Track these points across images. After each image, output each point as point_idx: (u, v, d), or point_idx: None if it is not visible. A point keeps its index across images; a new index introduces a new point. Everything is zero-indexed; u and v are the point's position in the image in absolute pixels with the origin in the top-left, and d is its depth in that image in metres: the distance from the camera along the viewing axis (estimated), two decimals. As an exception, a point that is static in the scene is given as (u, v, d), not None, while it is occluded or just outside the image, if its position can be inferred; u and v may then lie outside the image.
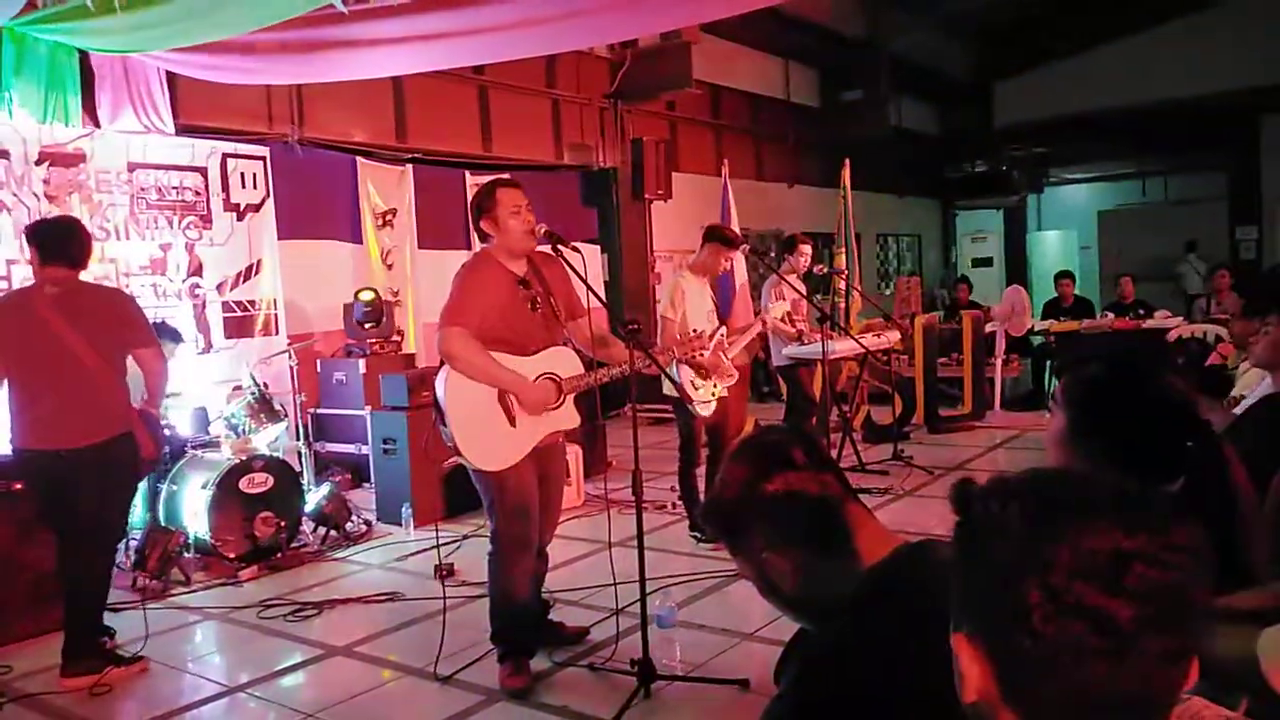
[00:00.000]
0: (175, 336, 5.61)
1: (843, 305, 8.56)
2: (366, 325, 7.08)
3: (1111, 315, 9.78)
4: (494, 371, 3.49)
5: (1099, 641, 0.76)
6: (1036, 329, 9.88)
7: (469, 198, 7.25)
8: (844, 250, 9.05)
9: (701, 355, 4.29)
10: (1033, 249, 16.52)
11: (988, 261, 16.84)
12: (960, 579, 0.86)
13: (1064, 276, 10.89)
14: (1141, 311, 9.70)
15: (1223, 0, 12.76)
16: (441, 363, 3.58)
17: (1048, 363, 9.98)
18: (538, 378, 3.59)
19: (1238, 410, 3.09)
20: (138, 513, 5.22)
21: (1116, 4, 13.04)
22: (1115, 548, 0.77)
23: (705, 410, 5.16)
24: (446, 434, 3.53)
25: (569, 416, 3.71)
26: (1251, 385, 3.29)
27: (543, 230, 3.62)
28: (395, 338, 7.42)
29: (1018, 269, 16.12)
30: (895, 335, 7.51)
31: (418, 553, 5.46)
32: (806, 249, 6.53)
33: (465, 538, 5.58)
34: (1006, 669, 0.80)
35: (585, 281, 3.65)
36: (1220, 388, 4.14)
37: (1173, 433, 1.51)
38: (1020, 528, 0.81)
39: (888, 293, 14.41)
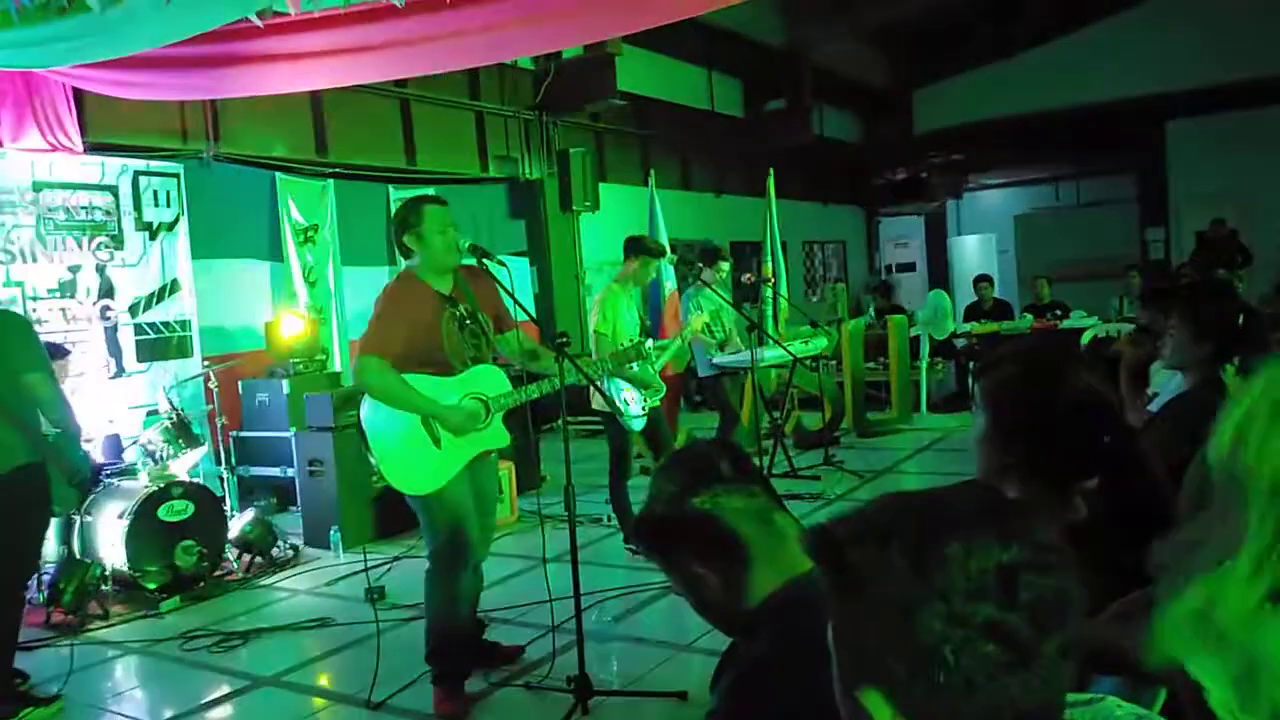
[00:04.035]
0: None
1: (771, 313, 8.65)
2: (289, 346, 6.92)
3: (1030, 317, 10.06)
4: (412, 400, 3.43)
5: (1008, 656, 0.77)
6: (959, 332, 10.10)
7: (392, 212, 7.16)
8: (771, 258, 9.15)
9: (633, 368, 4.29)
10: (954, 253, 16.90)
11: (910, 266, 17.19)
12: (849, 634, 0.83)
13: (983, 280, 11.18)
14: (1059, 312, 9.99)
15: (1131, 8, 13.26)
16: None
17: (970, 364, 10.21)
18: (464, 398, 3.54)
19: (1152, 407, 3.18)
20: (51, 545, 5.01)
21: (1030, 13, 13.46)
22: (999, 562, 0.78)
23: (637, 424, 5.16)
24: (372, 459, 3.47)
25: (497, 435, 3.67)
26: (1165, 383, 3.39)
27: (467, 245, 3.58)
28: (319, 357, 7.27)
29: (939, 273, 16.47)
30: (823, 342, 7.60)
31: (347, 576, 5.34)
32: (725, 265, 6.55)
33: (397, 559, 5.48)
34: (923, 708, 0.79)
35: (512, 296, 3.61)
36: (1137, 384, 4.26)
37: (1088, 429, 1.54)
38: (905, 564, 0.79)
39: (815, 300, 14.60)
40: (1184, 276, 10.28)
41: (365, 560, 4.71)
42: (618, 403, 4.94)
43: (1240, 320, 2.67)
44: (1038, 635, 0.77)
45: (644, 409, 5.21)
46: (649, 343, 5.15)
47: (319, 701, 3.85)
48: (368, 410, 3.47)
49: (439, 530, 3.53)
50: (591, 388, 4.51)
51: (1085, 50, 13.65)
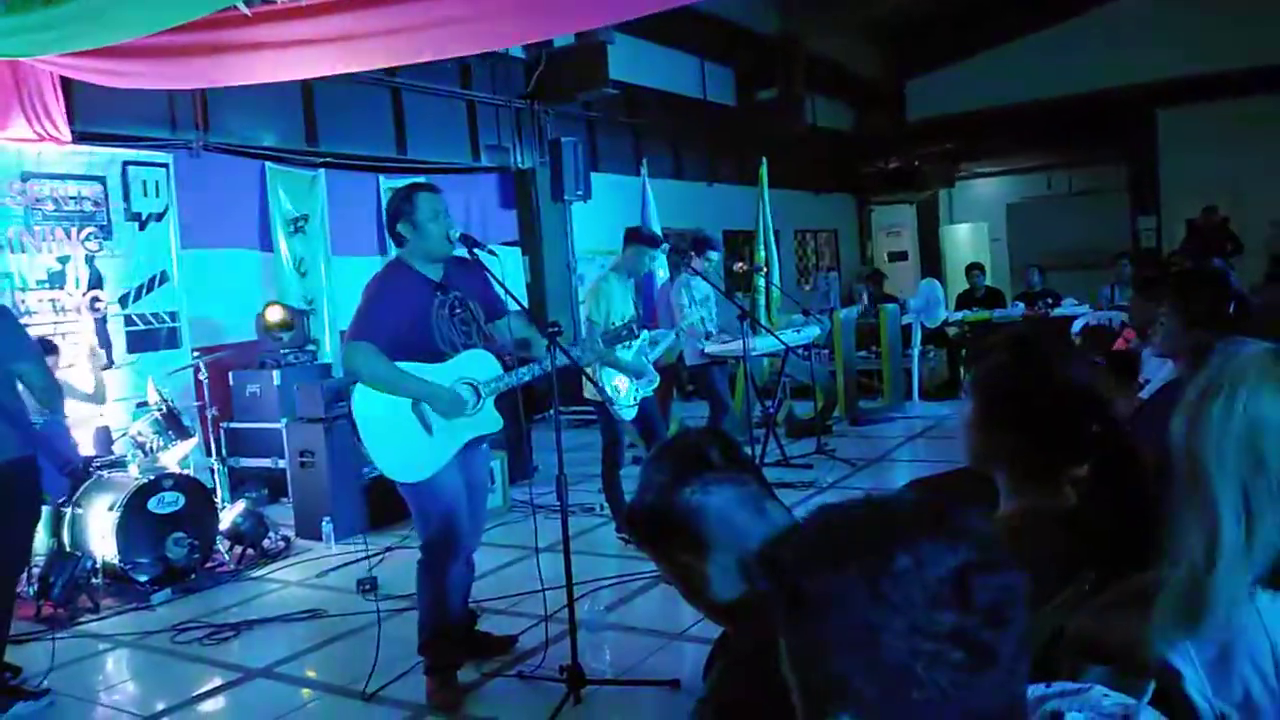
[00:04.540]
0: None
1: (763, 302, 8.65)
2: (281, 336, 6.90)
3: (1022, 305, 10.08)
4: (402, 383, 3.43)
5: (974, 660, 0.76)
6: (951, 320, 10.11)
7: (383, 202, 7.12)
8: (764, 247, 9.14)
9: (628, 349, 4.29)
10: (946, 242, 16.91)
11: (903, 255, 17.19)
12: (810, 661, 0.81)
13: (975, 268, 11.18)
14: (1050, 300, 10.00)
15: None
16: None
17: (962, 352, 10.23)
18: (454, 383, 3.53)
19: (1143, 394, 3.19)
20: (40, 538, 4.98)
21: (1023, 2, 13.44)
22: (951, 567, 0.77)
23: (628, 413, 5.16)
24: (364, 448, 3.46)
25: (490, 419, 3.66)
26: (1157, 370, 3.39)
27: (457, 235, 3.56)
28: (310, 347, 7.24)
29: (932, 262, 16.48)
30: (815, 330, 7.60)
31: (339, 567, 5.33)
32: (714, 255, 6.52)
33: (389, 550, 5.47)
34: None
35: (503, 285, 3.60)
36: (1128, 372, 4.28)
37: (1077, 416, 1.54)
38: (862, 585, 0.77)
39: (807, 288, 14.59)
40: (1174, 265, 10.30)
41: (367, 546, 4.70)
42: (608, 390, 4.94)
43: (1231, 308, 2.68)
44: (997, 633, 0.77)
45: (636, 399, 5.20)
46: (643, 334, 5.16)
47: (307, 692, 3.85)
48: (358, 398, 3.45)
49: (431, 519, 3.52)
50: (584, 377, 4.50)
51: (1077, 39, 13.64)
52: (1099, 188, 15.46)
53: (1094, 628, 1.37)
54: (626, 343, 4.36)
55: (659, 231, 7.84)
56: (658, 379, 5.44)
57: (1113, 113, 13.52)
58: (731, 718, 1.31)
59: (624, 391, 5.13)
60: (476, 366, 3.62)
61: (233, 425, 6.84)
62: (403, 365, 3.43)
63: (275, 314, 6.98)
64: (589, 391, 5.07)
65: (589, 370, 4.31)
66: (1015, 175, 16.64)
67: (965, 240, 16.68)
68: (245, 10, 4.72)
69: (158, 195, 6.84)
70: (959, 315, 10.18)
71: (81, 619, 4.74)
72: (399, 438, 3.45)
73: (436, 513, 3.51)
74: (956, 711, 0.77)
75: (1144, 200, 14.38)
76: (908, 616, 0.76)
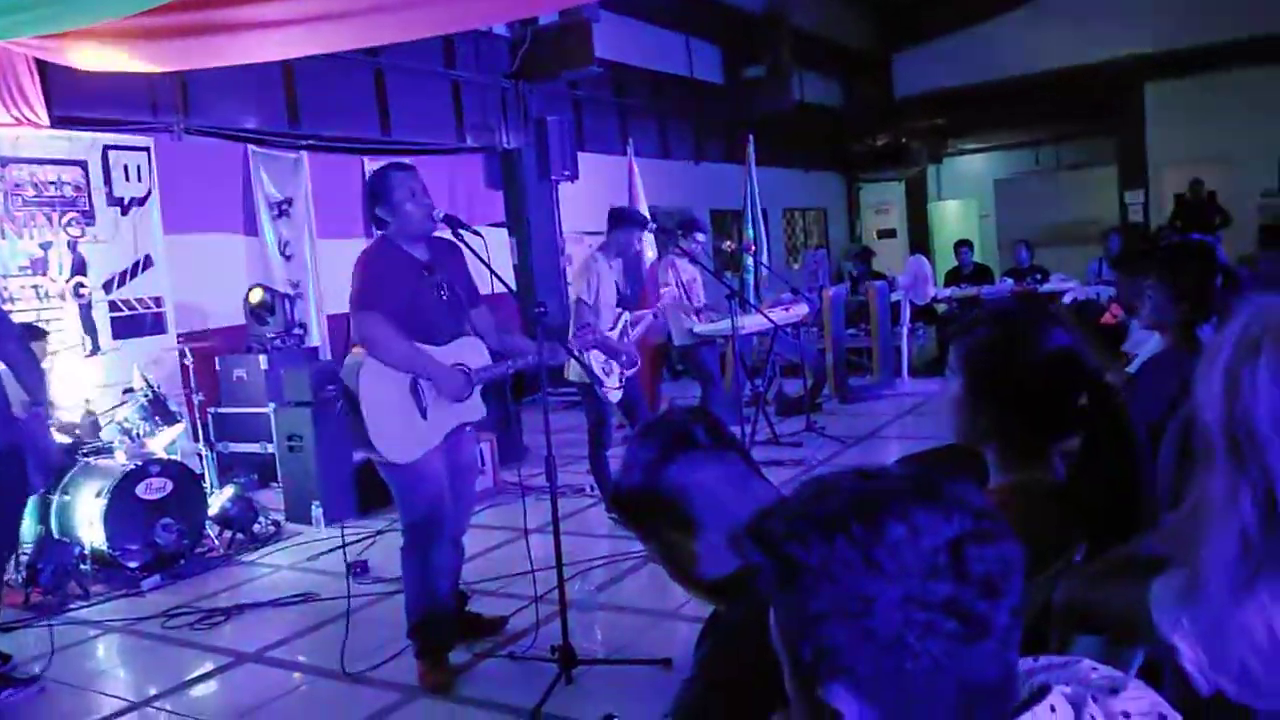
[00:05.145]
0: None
1: (752, 281, 8.63)
2: (267, 321, 6.85)
3: (1010, 281, 10.09)
4: (415, 357, 3.40)
5: (968, 630, 0.76)
6: (939, 297, 10.12)
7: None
8: (752, 226, 9.12)
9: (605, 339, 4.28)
10: (934, 218, 16.91)
11: (891, 233, 17.20)
12: (801, 632, 0.80)
13: (963, 245, 11.19)
14: (1038, 276, 10.02)
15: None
16: (345, 353, 3.47)
17: (950, 329, 10.24)
18: (451, 368, 3.52)
19: (1131, 368, 3.19)
20: (28, 525, 4.96)
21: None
22: (945, 538, 0.77)
23: (614, 395, 5.15)
24: (356, 424, 3.42)
25: (475, 408, 3.65)
26: (1143, 343, 3.39)
27: (440, 214, 3.53)
28: (297, 331, 7.20)
29: (920, 238, 16.49)
30: (804, 309, 7.59)
31: (329, 551, 5.32)
32: (702, 236, 6.52)
33: (379, 533, 5.46)
34: (892, 696, 0.78)
35: (489, 266, 3.56)
36: (1115, 345, 4.28)
37: (1066, 390, 1.53)
38: (855, 555, 0.77)
39: (796, 267, 14.58)
40: (1162, 239, 10.32)
41: (353, 533, 4.69)
42: (597, 372, 4.93)
43: (1219, 281, 2.68)
44: (992, 604, 0.77)
45: (620, 380, 5.20)
46: (625, 316, 5.16)
47: (302, 676, 3.84)
48: (362, 373, 3.37)
49: (415, 503, 3.51)
50: (567, 361, 4.49)
51: (1064, 13, 13.60)
52: (1087, 162, 15.47)
53: (1084, 597, 1.36)
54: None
55: (646, 211, 7.83)
56: (638, 360, 5.44)
57: (1100, 87, 13.51)
58: (721, 693, 1.31)
59: (611, 375, 5.12)
60: (469, 353, 3.60)
61: (220, 410, 6.81)
62: None
63: (255, 296, 6.94)
64: (572, 374, 5.06)
65: (578, 354, 4.29)
66: (1003, 151, 16.64)
67: (953, 216, 16.69)
68: (223, -10, 4.65)
69: (139, 180, 6.77)
70: (947, 292, 10.19)
71: (71, 605, 4.72)
72: (395, 416, 3.42)
73: (420, 496, 3.50)
74: (950, 681, 0.77)
75: (1132, 174, 14.40)
76: (902, 586, 0.76)
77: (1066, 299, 7.88)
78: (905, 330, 9.70)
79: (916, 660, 0.76)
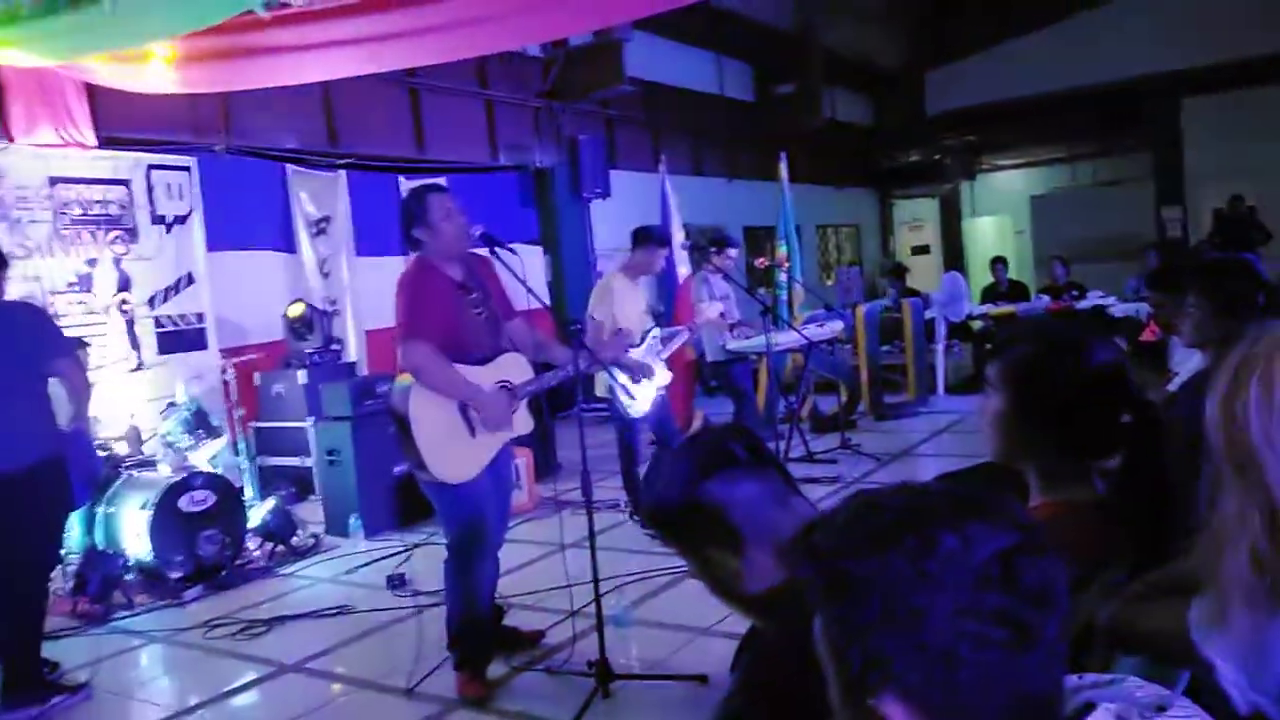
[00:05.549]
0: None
1: (785, 298, 8.63)
2: (306, 337, 6.96)
3: (1047, 298, 10.00)
4: (460, 385, 3.44)
5: (1018, 641, 0.78)
6: (975, 314, 10.05)
7: (405, 202, 7.14)
8: (785, 243, 9.11)
9: (627, 354, 4.30)
10: (969, 235, 16.78)
11: (925, 249, 17.09)
12: (851, 645, 0.81)
13: (998, 261, 11.10)
14: (1075, 293, 9.92)
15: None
16: (389, 373, 3.52)
17: (986, 346, 10.16)
18: (493, 386, 3.55)
19: (1172, 386, 3.16)
20: (75, 536, 5.07)
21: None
22: (996, 550, 0.78)
23: (636, 411, 5.17)
24: (408, 446, 3.45)
25: (523, 421, 3.69)
26: (1185, 360, 3.37)
27: (478, 232, 3.57)
28: (335, 347, 7.30)
29: (955, 255, 16.37)
30: (839, 325, 7.58)
31: (368, 564, 5.38)
32: (733, 252, 6.55)
33: (416, 546, 5.51)
34: (944, 707, 0.79)
35: (524, 283, 3.60)
36: (1156, 362, 4.24)
37: (1109, 407, 1.51)
38: (910, 567, 0.78)
39: (830, 283, 14.54)
40: (1203, 254, 10.19)
41: (392, 544, 4.74)
42: (623, 388, 4.97)
43: (1261, 298, 2.65)
44: (1042, 614, 0.78)
45: (647, 397, 5.22)
46: (655, 332, 5.18)
47: (337, 687, 3.88)
48: (412, 399, 3.41)
49: (461, 520, 3.54)
50: (595, 376, 4.52)
51: (1098, 28, 13.51)
52: (1123, 178, 15.29)
53: (1126, 618, 1.36)
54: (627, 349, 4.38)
55: (680, 228, 7.86)
56: (669, 376, 5.46)
57: (1136, 102, 13.38)
58: (761, 709, 1.31)
59: (636, 390, 5.14)
60: (512, 370, 3.64)
61: (260, 425, 6.91)
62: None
63: (295, 310, 7.04)
64: (601, 389, 5.10)
65: (607, 368, 4.32)
66: (1038, 167, 16.49)
67: (988, 233, 16.55)
68: (263, 14, 4.75)
69: (182, 198, 6.92)
70: (983, 309, 10.11)
71: (116, 615, 4.81)
72: (447, 439, 3.45)
73: (468, 515, 3.53)
74: (1001, 691, 0.78)
75: (1169, 190, 14.21)
76: (953, 597, 0.77)
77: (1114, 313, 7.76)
78: (940, 347, 9.64)
79: (968, 670, 0.77)
